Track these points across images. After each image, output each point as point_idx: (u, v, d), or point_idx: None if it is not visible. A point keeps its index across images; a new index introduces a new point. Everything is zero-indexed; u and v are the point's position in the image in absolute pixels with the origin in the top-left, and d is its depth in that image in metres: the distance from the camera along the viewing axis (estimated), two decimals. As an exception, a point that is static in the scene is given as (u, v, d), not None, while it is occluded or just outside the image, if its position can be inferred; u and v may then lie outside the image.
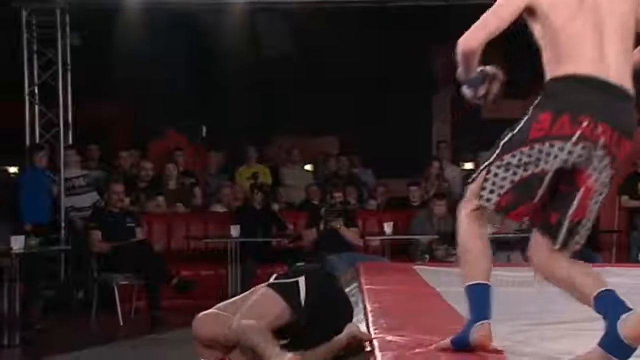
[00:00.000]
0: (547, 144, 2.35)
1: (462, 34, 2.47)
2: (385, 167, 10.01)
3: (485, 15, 2.47)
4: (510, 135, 2.49)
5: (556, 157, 2.34)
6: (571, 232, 2.37)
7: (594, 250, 7.61)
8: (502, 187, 2.41)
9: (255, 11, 9.08)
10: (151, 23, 8.81)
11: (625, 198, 8.38)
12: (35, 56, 8.31)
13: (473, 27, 2.47)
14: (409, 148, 10.26)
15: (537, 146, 2.37)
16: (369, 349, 2.60)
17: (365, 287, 4.13)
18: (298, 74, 10.48)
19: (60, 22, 8.26)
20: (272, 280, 3.07)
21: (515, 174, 2.40)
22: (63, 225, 8.15)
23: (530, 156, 2.38)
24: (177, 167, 9.12)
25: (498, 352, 2.53)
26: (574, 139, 2.32)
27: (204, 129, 10.98)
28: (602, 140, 2.33)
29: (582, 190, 2.35)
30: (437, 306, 3.70)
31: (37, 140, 8.37)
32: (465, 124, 10.80)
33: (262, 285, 3.14)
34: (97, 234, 7.28)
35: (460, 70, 2.52)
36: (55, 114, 8.42)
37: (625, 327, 2.20)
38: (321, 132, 10.90)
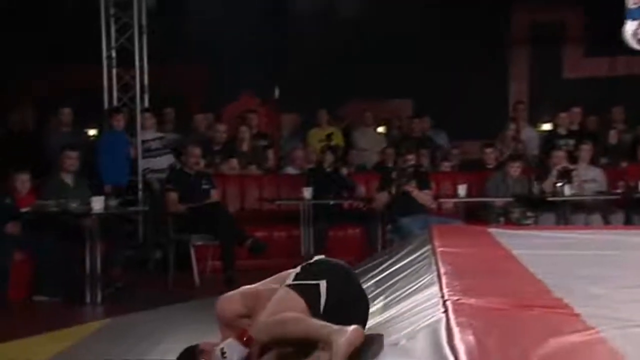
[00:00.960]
0: None
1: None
2: (459, 128, 9.86)
3: None
4: None
5: None
6: None
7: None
8: None
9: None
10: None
11: None
12: (112, 19, 8.45)
13: None
14: (485, 109, 10.08)
15: None
16: (442, 310, 2.57)
17: (438, 250, 4.08)
18: (372, 36, 10.36)
19: (136, -15, 8.37)
20: (291, 281, 2.92)
21: None
22: (140, 186, 8.34)
23: None
24: (250, 129, 9.19)
25: (575, 314, 2.47)
26: None
27: (277, 91, 11.00)
28: None
29: None
30: (512, 268, 3.63)
31: (115, 103, 8.55)
32: (545, 84, 10.53)
33: (282, 283, 2.97)
34: (173, 196, 7.41)
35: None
36: (131, 77, 8.57)
37: None
38: (394, 94, 10.80)
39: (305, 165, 9.01)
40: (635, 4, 2.28)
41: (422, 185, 7.80)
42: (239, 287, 3.18)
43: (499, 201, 8.07)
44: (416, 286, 3.37)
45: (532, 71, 10.93)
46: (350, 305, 2.93)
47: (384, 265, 4.62)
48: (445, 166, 9.29)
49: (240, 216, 8.07)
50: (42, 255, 6.43)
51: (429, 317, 2.56)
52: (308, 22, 10.39)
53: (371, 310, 3.36)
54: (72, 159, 7.03)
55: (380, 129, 10.34)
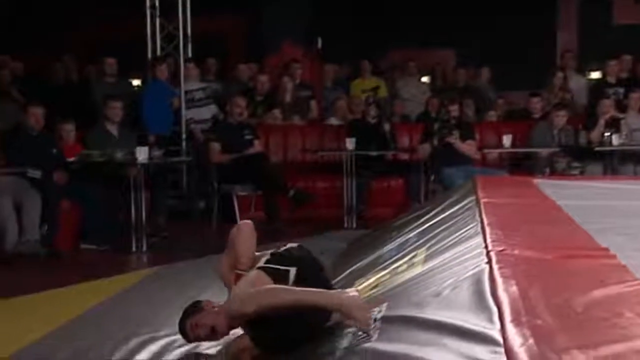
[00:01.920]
0: None
1: None
2: (505, 78, 9.68)
3: None
4: None
5: None
6: None
7: None
8: None
9: None
10: None
11: None
12: (155, -31, 8.43)
13: None
14: (532, 58, 9.87)
15: None
16: (485, 260, 2.55)
17: (482, 200, 4.04)
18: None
19: None
20: (263, 264, 2.96)
21: None
22: (184, 136, 8.39)
23: None
24: (293, 79, 9.14)
25: (621, 265, 2.43)
26: None
27: (320, 41, 10.90)
28: None
29: None
30: (557, 219, 3.57)
31: (158, 53, 8.57)
32: (594, 31, 10.24)
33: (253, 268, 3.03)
34: (216, 146, 7.44)
35: None
36: (174, 27, 8.56)
37: None
38: (438, 43, 10.62)
39: (348, 116, 8.96)
40: None
41: (466, 136, 7.71)
42: (281, 238, 3.22)
43: (544, 151, 7.95)
44: (459, 237, 3.34)
45: (581, 18, 10.64)
46: None
47: (426, 217, 4.59)
48: (490, 116, 9.16)
49: (283, 167, 8.09)
50: (88, 204, 6.54)
51: (472, 268, 2.54)
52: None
53: (413, 260, 3.35)
54: (116, 109, 7.09)
55: (424, 79, 10.20)
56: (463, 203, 4.33)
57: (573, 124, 8.12)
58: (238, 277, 3.03)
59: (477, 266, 2.52)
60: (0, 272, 5.49)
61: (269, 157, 7.88)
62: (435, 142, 7.67)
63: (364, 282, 3.47)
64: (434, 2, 10.08)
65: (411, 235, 4.21)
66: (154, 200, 6.99)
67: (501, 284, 2.19)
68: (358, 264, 4.20)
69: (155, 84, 8.23)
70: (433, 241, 3.59)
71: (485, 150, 8.25)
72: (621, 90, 8.71)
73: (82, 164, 6.62)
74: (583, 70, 9.75)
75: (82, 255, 6.34)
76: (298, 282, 2.88)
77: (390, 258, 3.79)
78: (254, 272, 2.96)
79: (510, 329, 1.84)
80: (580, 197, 4.38)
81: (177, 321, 3.02)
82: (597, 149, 7.62)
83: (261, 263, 3.01)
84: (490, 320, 1.98)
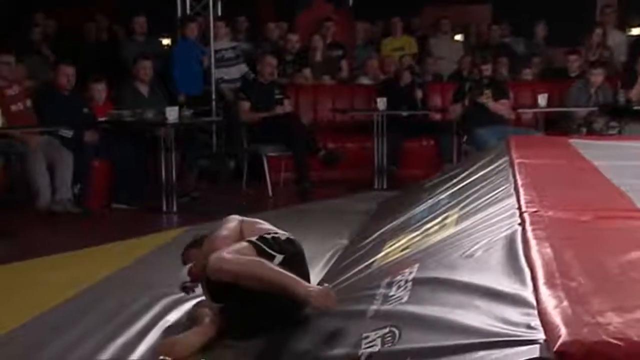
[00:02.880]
0: None
1: None
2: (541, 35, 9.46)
3: None
4: None
5: None
6: None
7: None
8: None
9: None
10: None
11: None
12: None
13: None
14: (569, 14, 9.61)
15: None
16: (518, 221, 2.49)
17: (516, 161, 3.96)
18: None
19: None
20: (254, 239, 2.92)
21: None
22: (214, 96, 8.36)
23: None
24: (324, 38, 9.03)
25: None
26: None
27: (351, -2, 10.74)
28: None
29: None
30: (594, 180, 3.49)
31: (188, 12, 8.51)
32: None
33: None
34: (246, 105, 7.40)
35: None
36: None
37: None
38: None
39: (379, 76, 8.84)
40: None
41: (499, 95, 7.57)
42: (312, 198, 3.17)
43: (581, 111, 7.78)
44: (492, 198, 3.29)
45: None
46: None
47: (459, 178, 4.53)
48: (526, 73, 8.96)
49: (313, 127, 8.03)
50: (119, 163, 6.57)
51: (505, 229, 2.49)
52: None
53: (445, 222, 3.30)
54: (146, 68, 7.06)
55: (458, 37, 10.02)
56: (496, 164, 4.26)
57: (611, 82, 7.93)
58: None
59: (510, 227, 2.48)
60: (34, 231, 5.55)
61: (299, 117, 7.82)
62: (467, 102, 7.55)
63: (394, 244, 3.44)
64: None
65: (443, 196, 4.16)
66: (184, 161, 6.99)
67: (534, 246, 2.14)
68: (389, 225, 4.16)
69: (185, 43, 8.18)
70: (465, 202, 3.54)
71: (520, 110, 8.10)
72: (663, 46, 8.47)
73: (113, 123, 6.63)
74: (623, 26, 9.48)
75: (113, 214, 6.38)
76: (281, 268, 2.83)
77: (422, 219, 3.75)
78: (243, 243, 2.92)
79: (544, 291, 1.79)
80: (617, 158, 4.28)
81: None
82: (636, 107, 7.44)
83: (254, 238, 2.96)
84: (524, 283, 1.93)
